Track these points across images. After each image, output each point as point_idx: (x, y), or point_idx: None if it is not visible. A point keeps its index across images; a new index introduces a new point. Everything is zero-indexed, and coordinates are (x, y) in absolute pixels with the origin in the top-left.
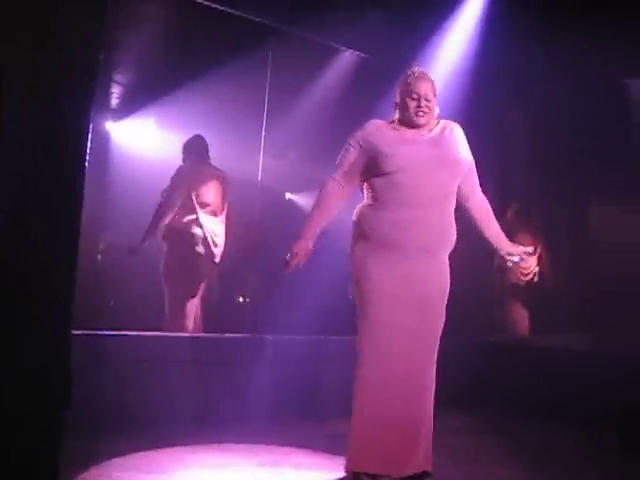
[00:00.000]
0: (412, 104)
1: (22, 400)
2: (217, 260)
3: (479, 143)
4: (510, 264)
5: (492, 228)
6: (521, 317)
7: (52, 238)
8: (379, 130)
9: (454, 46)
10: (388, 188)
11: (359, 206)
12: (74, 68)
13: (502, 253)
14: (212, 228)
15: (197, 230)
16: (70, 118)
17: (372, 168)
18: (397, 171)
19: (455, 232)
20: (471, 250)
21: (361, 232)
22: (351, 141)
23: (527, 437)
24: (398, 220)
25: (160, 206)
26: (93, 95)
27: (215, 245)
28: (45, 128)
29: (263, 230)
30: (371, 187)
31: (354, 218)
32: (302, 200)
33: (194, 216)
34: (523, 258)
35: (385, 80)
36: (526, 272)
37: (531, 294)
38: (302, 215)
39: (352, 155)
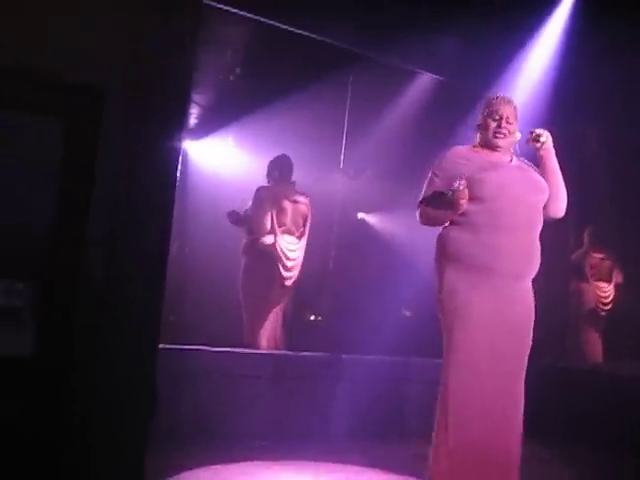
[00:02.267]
0: (492, 125)
1: (110, 412)
2: (288, 283)
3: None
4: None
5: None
6: (595, 343)
7: (144, 256)
8: (463, 157)
9: (532, 70)
10: (479, 212)
11: (445, 229)
12: (168, 88)
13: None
14: (287, 251)
15: (271, 251)
16: (164, 138)
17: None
18: (488, 196)
19: (540, 255)
20: (546, 274)
21: (450, 255)
22: (436, 170)
23: (595, 467)
24: (490, 244)
25: (245, 225)
26: (186, 114)
27: (286, 269)
28: (140, 147)
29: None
30: (461, 212)
31: (441, 241)
32: (373, 219)
33: (272, 236)
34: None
35: (461, 103)
36: (606, 299)
37: (606, 320)
38: (373, 234)
39: (437, 183)
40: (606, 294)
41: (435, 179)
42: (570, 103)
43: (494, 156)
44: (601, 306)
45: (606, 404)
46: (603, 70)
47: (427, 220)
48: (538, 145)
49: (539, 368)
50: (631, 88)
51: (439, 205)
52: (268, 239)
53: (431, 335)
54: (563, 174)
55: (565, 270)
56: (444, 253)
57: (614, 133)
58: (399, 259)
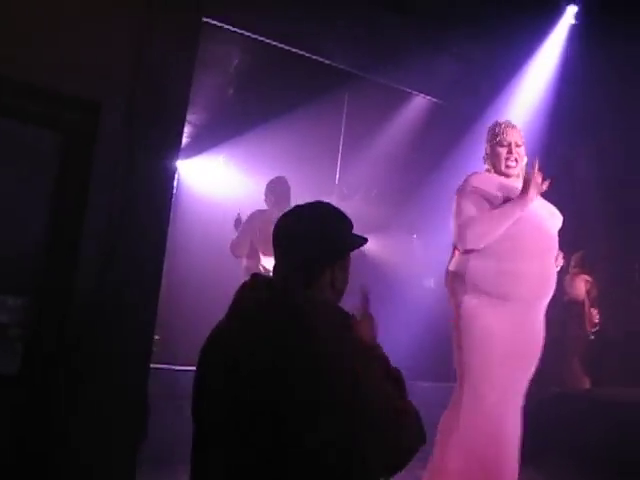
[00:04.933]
0: (503, 152)
1: (99, 429)
2: None
3: (551, 190)
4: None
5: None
6: (582, 368)
7: (138, 276)
8: (485, 180)
9: (527, 94)
10: (502, 239)
11: (461, 256)
12: (166, 105)
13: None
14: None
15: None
16: (160, 154)
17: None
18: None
19: (556, 279)
20: None
21: (469, 282)
22: (468, 187)
23: None
24: (512, 271)
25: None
26: (181, 131)
27: None
28: (137, 162)
29: None
30: None
31: (457, 268)
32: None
33: (269, 260)
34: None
35: (457, 125)
36: (596, 324)
37: (590, 346)
38: (366, 255)
39: (475, 199)
40: (596, 318)
41: (472, 195)
42: (565, 126)
43: (510, 182)
44: (590, 330)
45: (595, 429)
46: (597, 94)
47: (482, 236)
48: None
49: (533, 394)
50: (622, 113)
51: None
52: (265, 263)
53: (423, 358)
54: (558, 199)
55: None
56: (462, 280)
57: (605, 157)
58: (392, 281)
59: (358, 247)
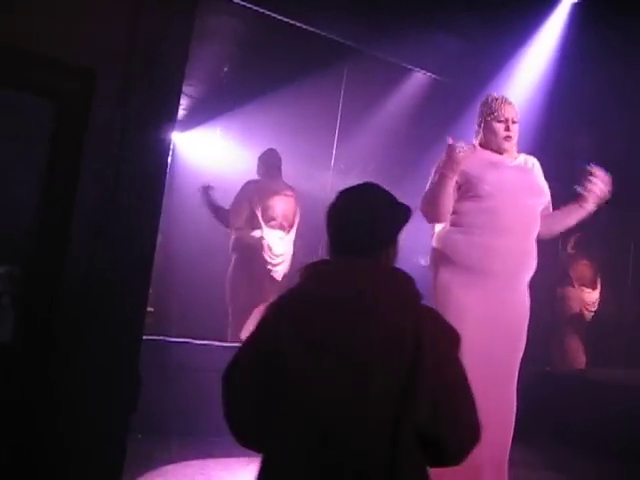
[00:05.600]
0: (500, 127)
1: (91, 402)
2: (278, 277)
3: (549, 169)
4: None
5: (558, 218)
6: (578, 349)
7: (131, 247)
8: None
9: (527, 72)
10: (478, 213)
11: (441, 230)
12: (162, 75)
13: (587, 206)
14: (275, 245)
15: (257, 245)
16: (155, 126)
17: (462, 192)
18: (488, 196)
19: (536, 257)
20: (532, 279)
21: (446, 257)
22: (441, 164)
23: (581, 472)
24: (489, 246)
25: (225, 219)
26: (178, 103)
27: (273, 263)
28: (130, 134)
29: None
30: (458, 211)
31: (436, 243)
32: None
33: (259, 232)
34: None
35: (456, 102)
36: (590, 305)
37: (590, 326)
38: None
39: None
40: (591, 300)
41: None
42: (565, 105)
43: (495, 157)
44: (586, 312)
45: (590, 409)
46: (597, 74)
47: (427, 203)
48: (589, 187)
49: (524, 373)
50: (625, 96)
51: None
52: (255, 234)
53: None
54: (557, 178)
55: (551, 275)
56: (440, 253)
57: (606, 140)
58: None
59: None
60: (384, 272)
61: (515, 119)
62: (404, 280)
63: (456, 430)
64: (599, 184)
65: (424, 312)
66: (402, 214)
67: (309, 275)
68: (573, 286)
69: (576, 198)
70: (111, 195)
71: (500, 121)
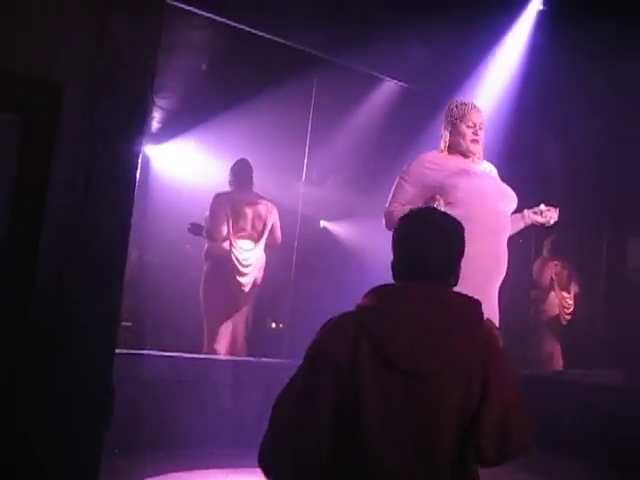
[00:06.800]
0: (468, 132)
1: (66, 414)
2: (245, 289)
3: (518, 174)
4: (540, 219)
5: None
6: (554, 351)
7: (101, 261)
8: (433, 162)
9: (495, 78)
10: None
11: None
12: (129, 88)
13: (528, 221)
14: (244, 255)
15: (227, 257)
16: (123, 138)
17: (431, 200)
18: (460, 203)
19: (507, 261)
20: (506, 282)
21: None
22: (404, 176)
23: (559, 473)
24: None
25: (208, 233)
26: (146, 115)
27: (241, 274)
28: (99, 147)
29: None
30: None
31: None
32: (335, 227)
33: (227, 243)
34: (542, 211)
35: (426, 110)
36: (567, 308)
37: (565, 328)
38: (335, 242)
39: (407, 189)
40: (567, 303)
41: (404, 184)
42: (533, 111)
43: (463, 162)
44: (563, 314)
45: (567, 411)
46: (566, 78)
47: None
48: (540, 221)
49: None
50: (593, 97)
51: None
52: (225, 245)
53: None
54: (525, 183)
55: (526, 278)
56: None
57: (575, 142)
58: (361, 267)
59: None
60: (458, 297)
61: (482, 126)
62: (474, 305)
63: (506, 447)
64: (541, 220)
65: (490, 339)
66: (463, 235)
67: (383, 298)
68: (548, 289)
69: (522, 214)
70: (80, 208)
71: (469, 126)
